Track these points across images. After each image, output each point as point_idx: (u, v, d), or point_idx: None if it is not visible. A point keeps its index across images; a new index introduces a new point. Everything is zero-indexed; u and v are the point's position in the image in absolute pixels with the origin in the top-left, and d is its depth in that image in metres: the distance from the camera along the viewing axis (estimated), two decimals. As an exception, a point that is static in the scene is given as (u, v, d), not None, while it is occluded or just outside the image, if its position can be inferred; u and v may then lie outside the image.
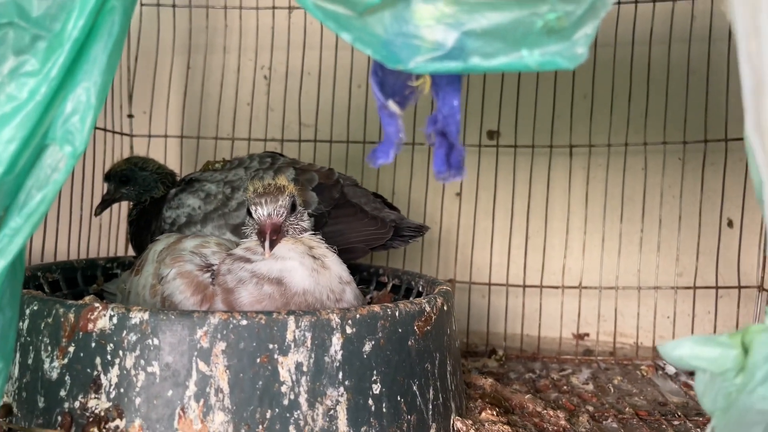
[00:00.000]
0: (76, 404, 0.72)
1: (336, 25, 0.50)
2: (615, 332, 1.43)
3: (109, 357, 0.72)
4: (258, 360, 0.72)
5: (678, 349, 0.52)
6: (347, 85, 1.50)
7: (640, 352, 1.41)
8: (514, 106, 1.45)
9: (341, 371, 0.75)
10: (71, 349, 0.73)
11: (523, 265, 1.47)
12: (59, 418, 0.72)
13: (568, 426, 0.97)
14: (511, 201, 1.48)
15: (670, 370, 1.29)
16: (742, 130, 0.47)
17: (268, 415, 0.71)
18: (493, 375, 1.21)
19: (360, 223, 1.16)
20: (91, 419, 0.71)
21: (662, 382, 1.23)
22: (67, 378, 0.73)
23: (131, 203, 1.25)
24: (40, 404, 0.74)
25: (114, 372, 0.72)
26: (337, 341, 0.75)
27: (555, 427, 0.96)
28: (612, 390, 1.18)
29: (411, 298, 1.08)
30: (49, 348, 0.75)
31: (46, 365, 0.74)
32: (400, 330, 0.80)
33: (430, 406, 0.83)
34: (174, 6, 1.52)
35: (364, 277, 1.23)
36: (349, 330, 0.76)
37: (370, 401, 0.76)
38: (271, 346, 0.72)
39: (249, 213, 0.91)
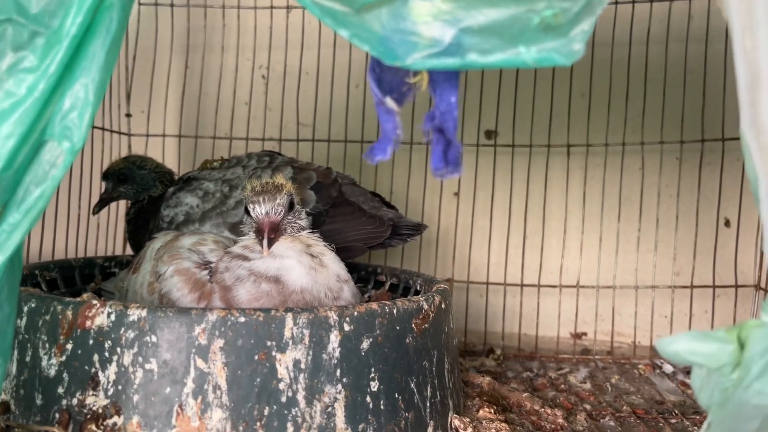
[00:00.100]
0: (74, 401, 0.72)
1: (333, 21, 0.50)
2: (612, 331, 1.43)
3: (106, 354, 0.72)
4: (256, 357, 0.72)
5: (674, 344, 0.52)
6: (345, 84, 1.50)
7: (638, 351, 1.42)
8: (512, 106, 1.45)
9: (339, 368, 0.75)
10: (69, 346, 0.73)
11: (521, 264, 1.47)
12: (57, 416, 0.72)
13: (566, 424, 0.97)
14: (509, 200, 1.48)
15: (668, 368, 1.30)
16: (739, 130, 0.47)
17: (266, 412, 0.71)
18: (491, 374, 1.21)
19: (358, 222, 1.16)
20: (88, 416, 0.71)
21: (659, 381, 1.23)
22: (64, 375, 0.73)
23: (129, 202, 1.25)
24: (38, 401, 0.74)
25: (112, 369, 0.72)
26: (335, 338, 0.75)
27: (552, 426, 0.96)
28: (609, 388, 1.19)
29: (410, 297, 1.08)
30: (47, 345, 0.75)
31: (44, 362, 0.74)
32: (398, 327, 0.81)
33: (428, 404, 0.83)
34: (172, 5, 1.53)
35: (362, 275, 1.23)
36: (347, 327, 0.76)
37: (368, 398, 0.76)
38: (269, 343, 0.72)
39: (247, 211, 0.91)
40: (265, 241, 0.85)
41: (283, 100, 1.54)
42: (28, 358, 0.76)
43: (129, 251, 1.33)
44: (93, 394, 0.72)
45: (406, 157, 1.50)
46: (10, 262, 0.54)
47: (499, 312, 1.46)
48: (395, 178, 1.52)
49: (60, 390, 0.73)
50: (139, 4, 1.53)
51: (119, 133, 1.51)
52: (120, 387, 0.71)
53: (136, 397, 0.71)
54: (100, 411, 0.71)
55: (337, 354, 0.75)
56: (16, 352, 0.77)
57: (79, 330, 0.73)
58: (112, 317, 0.73)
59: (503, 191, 1.48)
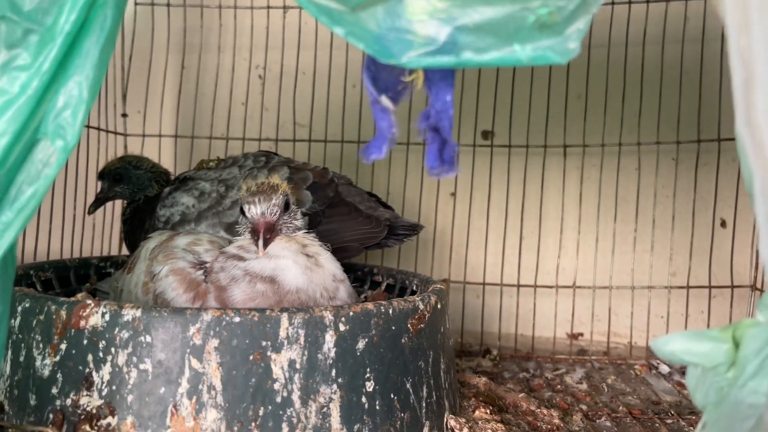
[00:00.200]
0: (68, 402, 0.72)
1: (329, 19, 0.50)
2: (609, 332, 1.43)
3: (101, 354, 0.72)
4: (251, 357, 0.72)
5: (669, 344, 0.52)
6: (342, 84, 1.50)
7: (634, 351, 1.42)
8: (509, 107, 1.45)
9: (334, 369, 0.75)
10: (63, 346, 0.73)
11: (518, 264, 1.47)
12: (51, 416, 0.72)
13: (562, 425, 0.97)
14: (506, 201, 1.48)
15: (664, 369, 1.30)
16: (735, 129, 0.47)
17: (260, 413, 0.71)
18: (488, 374, 1.21)
19: (354, 222, 1.16)
20: (82, 417, 0.71)
21: (656, 381, 1.23)
22: (58, 375, 0.73)
23: (125, 202, 1.24)
24: (32, 402, 0.74)
25: (106, 369, 0.71)
26: (330, 338, 0.75)
27: (548, 426, 0.96)
28: (606, 389, 1.19)
29: (406, 297, 1.08)
30: (41, 345, 0.74)
31: (38, 363, 0.74)
32: (393, 328, 0.80)
33: (424, 404, 0.83)
34: (168, 5, 1.52)
35: (358, 276, 1.23)
36: (342, 327, 0.76)
37: (364, 399, 0.76)
38: (264, 343, 0.72)
39: (242, 212, 0.91)
40: (260, 242, 0.85)
41: (279, 100, 1.54)
42: (22, 358, 0.76)
43: (125, 251, 1.33)
44: (87, 395, 0.71)
45: (402, 157, 1.49)
46: (3, 262, 0.54)
47: (495, 312, 1.46)
48: (392, 179, 1.52)
49: (54, 390, 0.73)
50: (135, 3, 1.53)
51: (115, 133, 1.51)
52: (114, 387, 0.71)
53: (130, 398, 0.70)
54: (94, 411, 0.71)
55: (332, 354, 0.75)
56: (9, 352, 0.77)
57: (73, 330, 0.73)
58: (107, 317, 0.72)
59: (500, 191, 1.48)
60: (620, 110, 1.42)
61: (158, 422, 0.70)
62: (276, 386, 0.72)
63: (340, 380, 0.75)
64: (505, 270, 1.47)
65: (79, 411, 0.71)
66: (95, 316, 0.72)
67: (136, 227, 1.19)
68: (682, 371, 1.25)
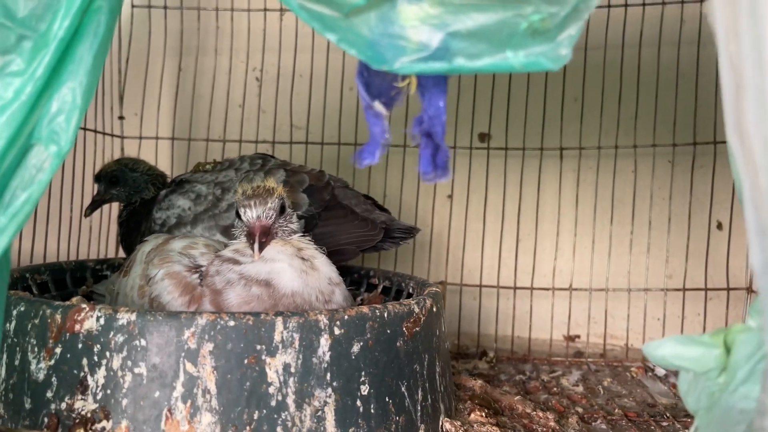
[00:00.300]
0: (63, 405, 0.72)
1: (321, 25, 0.50)
2: (605, 334, 1.43)
3: (95, 358, 0.72)
4: (245, 361, 0.72)
5: (661, 348, 0.52)
6: (339, 87, 1.50)
7: (630, 353, 1.42)
8: (505, 109, 1.45)
9: (329, 372, 0.75)
10: (58, 350, 0.73)
11: (514, 267, 1.47)
12: (46, 420, 0.72)
13: (558, 427, 0.97)
14: (502, 203, 1.48)
15: (660, 371, 1.30)
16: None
17: (255, 416, 0.71)
18: (484, 377, 1.21)
19: (350, 225, 1.16)
20: (77, 420, 0.71)
21: (652, 384, 1.24)
22: (53, 379, 0.73)
23: (121, 204, 1.24)
24: (27, 405, 0.74)
25: (101, 373, 0.71)
26: (325, 342, 0.75)
27: (544, 429, 0.96)
28: (602, 391, 1.19)
29: (401, 300, 1.08)
30: (36, 349, 0.74)
31: (33, 366, 0.74)
32: (388, 331, 0.80)
33: (419, 407, 0.83)
34: (165, 8, 1.52)
35: (354, 279, 1.23)
36: (337, 331, 0.76)
37: (359, 402, 0.76)
38: (258, 347, 0.72)
39: (238, 215, 0.91)
40: (256, 245, 0.85)
41: (276, 103, 1.54)
42: (17, 362, 0.76)
43: (121, 254, 1.33)
44: (82, 399, 0.71)
45: (399, 160, 1.50)
46: (-3, 266, 0.54)
47: (492, 315, 1.46)
48: (388, 181, 1.52)
49: (49, 394, 0.73)
50: (132, 6, 1.53)
51: (112, 135, 1.51)
52: (109, 391, 0.71)
53: (125, 402, 0.70)
54: (89, 415, 0.71)
55: (327, 358, 0.75)
56: (5, 356, 0.77)
57: (68, 334, 0.73)
58: (101, 321, 0.72)
59: (496, 194, 1.49)
60: (616, 113, 1.42)
61: (153, 426, 0.70)
62: (271, 390, 0.72)
63: (335, 384, 0.75)
64: (501, 272, 1.47)
65: (73, 415, 0.71)
66: (90, 320, 0.73)
67: (133, 230, 1.19)
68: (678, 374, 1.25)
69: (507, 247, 1.48)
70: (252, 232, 0.88)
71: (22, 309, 0.77)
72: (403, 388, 0.81)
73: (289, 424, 0.72)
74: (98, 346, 0.72)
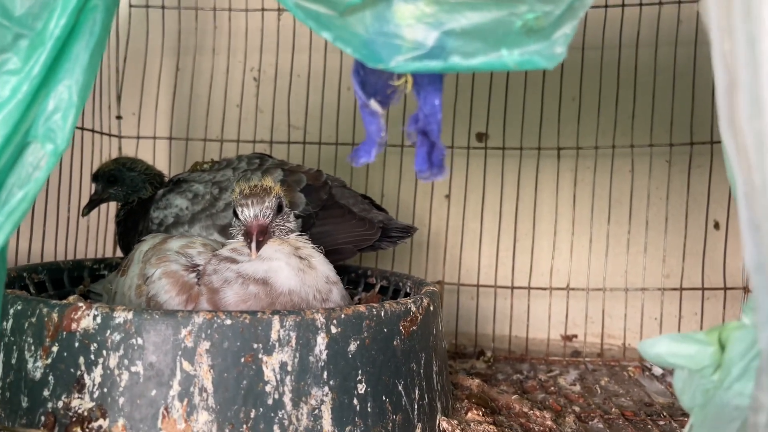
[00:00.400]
0: (60, 404, 0.72)
1: (316, 24, 0.50)
2: (602, 333, 1.43)
3: (92, 357, 0.72)
4: (242, 359, 0.72)
5: (656, 346, 0.52)
6: (336, 87, 1.50)
7: (628, 353, 1.42)
8: (503, 109, 1.46)
9: (326, 371, 0.75)
10: (55, 348, 0.73)
11: (512, 266, 1.47)
12: (42, 418, 0.72)
13: (554, 426, 0.97)
14: (500, 203, 1.48)
15: (657, 371, 1.30)
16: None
17: (252, 415, 0.71)
18: (481, 376, 1.21)
19: (348, 224, 1.16)
20: (74, 419, 0.71)
21: (649, 383, 1.24)
22: (50, 378, 0.73)
23: (119, 204, 1.24)
24: (24, 404, 0.74)
25: (97, 372, 0.71)
26: (321, 341, 0.75)
27: (541, 428, 0.96)
28: (599, 391, 1.19)
29: (398, 299, 1.08)
30: (33, 348, 0.75)
31: (30, 365, 0.74)
32: (385, 330, 0.81)
33: (416, 406, 0.83)
34: (163, 7, 1.52)
35: (352, 278, 1.23)
36: (334, 330, 0.76)
37: (355, 401, 0.76)
38: (255, 345, 0.72)
39: (235, 214, 0.91)
40: (253, 244, 0.85)
41: (274, 103, 1.55)
42: (13, 361, 0.76)
43: (118, 253, 1.33)
44: (78, 397, 0.71)
45: (396, 159, 1.50)
46: (-7, 264, 0.54)
47: (489, 314, 1.46)
48: (386, 181, 1.53)
49: (45, 392, 0.73)
50: (130, 6, 1.53)
51: (109, 135, 1.51)
52: (106, 390, 0.71)
53: (121, 400, 0.71)
54: (86, 414, 0.71)
55: (324, 356, 0.75)
56: (1, 355, 0.77)
57: (64, 332, 0.73)
58: (98, 320, 0.72)
59: (494, 194, 1.49)
60: (614, 112, 1.42)
61: (149, 424, 0.70)
62: (267, 388, 0.72)
63: (331, 382, 0.75)
64: (499, 272, 1.47)
65: (70, 413, 0.71)
66: (87, 319, 0.73)
67: (130, 229, 1.19)
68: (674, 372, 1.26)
69: (504, 246, 1.48)
70: (249, 230, 0.88)
71: (19, 308, 0.77)
72: (400, 387, 0.81)
73: (286, 422, 0.72)
74: (95, 344, 0.72)
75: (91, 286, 1.16)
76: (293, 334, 0.74)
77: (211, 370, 0.71)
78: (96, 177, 1.22)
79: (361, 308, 0.79)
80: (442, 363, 0.94)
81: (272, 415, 0.72)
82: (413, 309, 0.85)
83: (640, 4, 1.39)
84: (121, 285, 0.96)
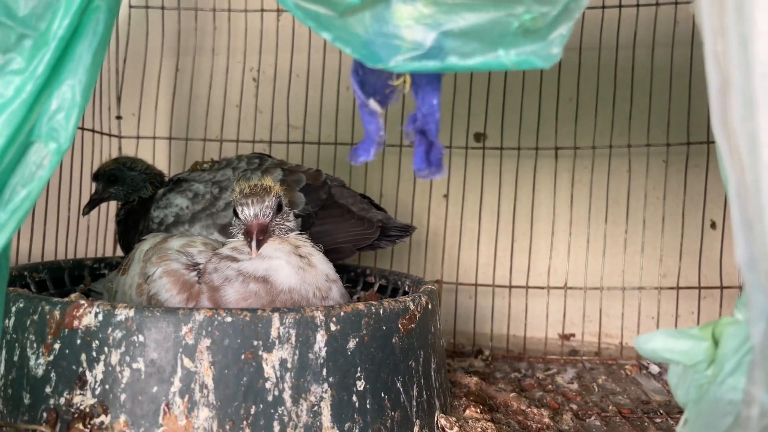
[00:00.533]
0: (62, 401, 0.72)
1: (316, 24, 0.51)
2: (600, 332, 1.44)
3: (94, 354, 0.73)
4: (242, 356, 0.73)
5: (651, 342, 0.53)
6: (335, 87, 1.51)
7: (625, 351, 1.43)
8: (500, 110, 1.46)
9: (325, 368, 0.76)
10: (57, 346, 0.74)
11: (510, 266, 1.48)
12: (45, 415, 0.73)
13: (552, 424, 0.98)
14: (498, 203, 1.49)
15: (654, 369, 1.31)
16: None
17: (252, 411, 0.72)
18: (479, 374, 1.22)
19: (347, 224, 1.17)
20: (76, 415, 0.71)
21: (646, 381, 1.25)
22: (52, 375, 0.73)
23: (119, 203, 1.25)
24: (26, 401, 0.74)
25: (99, 368, 0.72)
26: (321, 338, 0.76)
27: (538, 425, 0.97)
28: (596, 389, 1.20)
29: (397, 297, 1.09)
30: (35, 345, 0.75)
31: (32, 362, 0.75)
32: (384, 327, 0.81)
33: (414, 403, 0.84)
34: (163, 8, 1.53)
35: (351, 277, 1.24)
36: (333, 327, 0.77)
37: (354, 398, 0.77)
38: (255, 342, 0.73)
39: (235, 213, 0.92)
40: (253, 243, 0.86)
41: (273, 103, 1.55)
42: (16, 358, 0.76)
43: (119, 252, 1.34)
44: (80, 394, 0.72)
45: (395, 159, 1.51)
46: (-3, 262, 0.55)
47: (487, 313, 1.47)
48: (385, 181, 1.53)
49: (48, 389, 0.73)
50: (130, 6, 1.54)
51: (110, 135, 1.52)
52: (107, 386, 0.72)
53: (123, 396, 0.71)
54: (88, 410, 0.71)
55: (323, 353, 0.76)
56: (4, 352, 0.78)
57: (66, 330, 0.74)
58: (100, 317, 0.73)
59: (492, 193, 1.50)
60: (611, 113, 1.43)
61: (151, 421, 0.71)
62: (267, 385, 0.73)
63: (331, 379, 0.76)
64: (497, 271, 1.48)
65: (72, 410, 0.72)
66: (88, 316, 0.73)
67: (130, 228, 1.19)
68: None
69: (502, 246, 1.49)
70: (249, 229, 0.88)
71: (21, 305, 0.78)
72: (398, 384, 0.82)
73: (286, 419, 0.73)
74: (96, 341, 0.73)
75: (91, 285, 1.17)
76: (293, 332, 0.74)
77: (212, 367, 0.72)
78: (96, 176, 1.23)
79: (360, 306, 0.80)
80: (441, 361, 0.95)
81: (272, 411, 0.73)
82: (412, 307, 0.86)
83: (637, 5, 1.40)
84: (122, 284, 0.97)
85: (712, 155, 1.39)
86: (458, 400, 1.01)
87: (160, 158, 1.53)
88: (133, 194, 1.22)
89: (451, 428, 0.88)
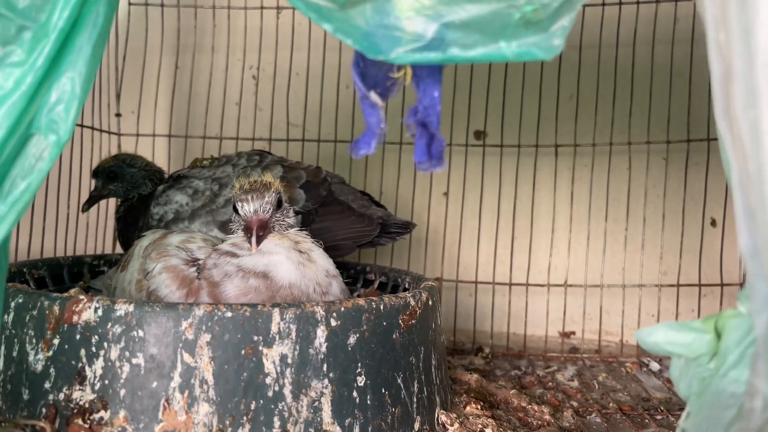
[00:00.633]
0: (61, 396, 0.72)
1: (317, 16, 0.51)
2: (600, 330, 1.44)
3: (93, 349, 0.72)
4: (243, 352, 0.72)
5: (653, 335, 0.53)
6: (335, 85, 1.51)
7: (625, 349, 1.43)
8: (501, 107, 1.46)
9: (326, 363, 0.75)
10: (56, 341, 0.74)
11: (510, 263, 1.48)
12: (44, 410, 0.73)
13: (552, 420, 0.97)
14: (498, 200, 1.49)
15: (654, 366, 1.31)
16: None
17: (252, 407, 0.72)
18: (480, 372, 1.21)
19: (347, 221, 1.16)
20: (75, 411, 0.71)
21: (646, 378, 1.24)
22: (51, 370, 0.73)
23: (119, 200, 1.25)
24: (25, 396, 0.74)
25: (99, 364, 0.72)
26: (321, 333, 0.76)
27: (539, 422, 0.97)
28: (596, 386, 1.19)
29: (397, 293, 1.09)
30: (34, 340, 0.75)
31: (31, 357, 0.75)
32: (384, 323, 0.81)
33: (415, 399, 0.84)
34: (162, 5, 1.53)
35: (351, 274, 1.24)
36: (333, 322, 0.77)
37: (355, 393, 0.77)
38: (255, 338, 0.73)
39: (235, 209, 0.92)
40: (253, 239, 0.86)
41: (273, 101, 1.55)
42: (15, 353, 0.76)
43: (118, 249, 1.33)
44: (80, 389, 0.72)
45: (395, 156, 1.50)
46: (-4, 255, 0.55)
47: (488, 311, 1.47)
48: (385, 178, 1.53)
49: (47, 385, 0.73)
50: (129, 3, 1.53)
51: (109, 132, 1.51)
52: (107, 381, 0.71)
53: (122, 392, 0.71)
54: (87, 405, 0.71)
55: (323, 349, 0.76)
56: (3, 348, 0.77)
57: (66, 325, 0.74)
58: (99, 312, 0.73)
59: (492, 191, 1.49)
60: (611, 110, 1.43)
61: (150, 416, 0.70)
62: (267, 381, 0.73)
63: (331, 375, 0.76)
64: (497, 269, 1.48)
65: (71, 405, 0.72)
66: (88, 312, 0.73)
67: (130, 225, 1.19)
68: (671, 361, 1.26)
69: (502, 243, 1.49)
70: (249, 225, 0.88)
71: (20, 301, 0.77)
72: (399, 380, 0.82)
73: (286, 414, 0.73)
74: (96, 337, 0.72)
75: (90, 282, 1.16)
76: (293, 327, 0.74)
77: (212, 362, 0.72)
78: (96, 173, 1.22)
79: (361, 301, 0.80)
80: (441, 357, 0.95)
81: (272, 407, 0.72)
82: (412, 303, 0.86)
83: (637, 3, 1.40)
84: (121, 280, 0.97)
85: (713, 153, 1.39)
86: (459, 396, 1.00)
87: (160, 155, 1.53)
88: (132, 191, 1.21)
89: (452, 425, 0.88)
